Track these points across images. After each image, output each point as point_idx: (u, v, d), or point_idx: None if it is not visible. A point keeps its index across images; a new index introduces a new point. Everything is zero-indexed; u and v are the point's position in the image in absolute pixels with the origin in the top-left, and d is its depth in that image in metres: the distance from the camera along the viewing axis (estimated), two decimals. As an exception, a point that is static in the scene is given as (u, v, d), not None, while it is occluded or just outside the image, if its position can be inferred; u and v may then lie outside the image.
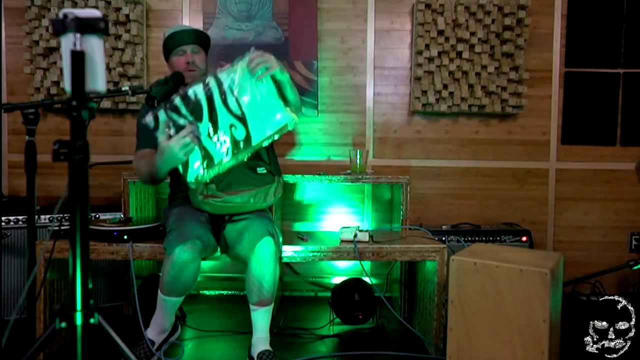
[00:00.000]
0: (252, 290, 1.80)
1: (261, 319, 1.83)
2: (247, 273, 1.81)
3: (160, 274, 1.79)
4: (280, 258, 1.97)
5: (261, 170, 1.95)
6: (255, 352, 1.81)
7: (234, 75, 1.72)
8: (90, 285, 1.05)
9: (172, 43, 1.98)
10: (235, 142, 1.72)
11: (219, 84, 1.71)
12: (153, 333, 1.85)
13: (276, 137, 1.73)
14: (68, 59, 1.02)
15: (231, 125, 1.72)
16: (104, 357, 1.48)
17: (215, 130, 1.72)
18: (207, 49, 2.08)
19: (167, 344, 1.94)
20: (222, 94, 1.71)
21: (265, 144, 1.73)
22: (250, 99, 1.71)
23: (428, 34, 2.72)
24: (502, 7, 2.71)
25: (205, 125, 1.72)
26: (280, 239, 1.96)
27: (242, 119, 1.71)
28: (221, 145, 1.72)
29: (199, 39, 2.01)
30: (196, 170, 1.73)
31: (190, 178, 1.74)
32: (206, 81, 1.72)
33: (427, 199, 2.89)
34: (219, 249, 1.99)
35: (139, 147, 1.99)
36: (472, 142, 2.88)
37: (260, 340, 1.83)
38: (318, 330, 2.25)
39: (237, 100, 1.71)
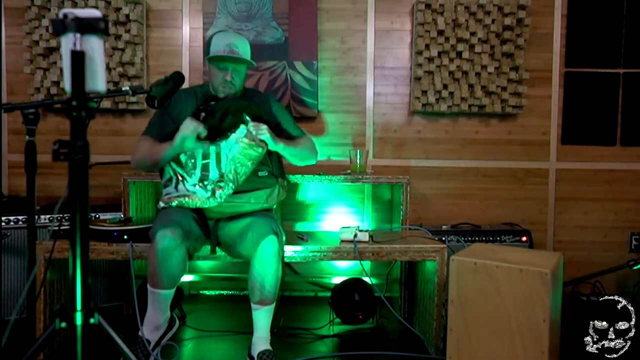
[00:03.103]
0: (254, 289, 1.80)
1: (262, 318, 1.83)
2: (250, 271, 1.81)
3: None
4: (283, 257, 1.96)
5: (262, 173, 1.96)
6: (255, 351, 1.81)
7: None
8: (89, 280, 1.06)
9: (219, 52, 1.97)
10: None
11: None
12: (147, 331, 1.84)
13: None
14: (68, 59, 1.02)
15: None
16: (104, 357, 1.47)
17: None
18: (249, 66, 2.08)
19: (165, 341, 1.92)
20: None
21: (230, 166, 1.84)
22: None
23: (428, 34, 2.72)
24: (502, 7, 2.71)
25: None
26: (284, 238, 1.95)
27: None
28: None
29: (246, 61, 2.00)
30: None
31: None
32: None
33: (427, 199, 2.89)
34: (208, 245, 1.97)
35: (148, 133, 1.99)
36: (472, 142, 2.88)
37: (261, 339, 1.83)
38: (318, 330, 2.25)
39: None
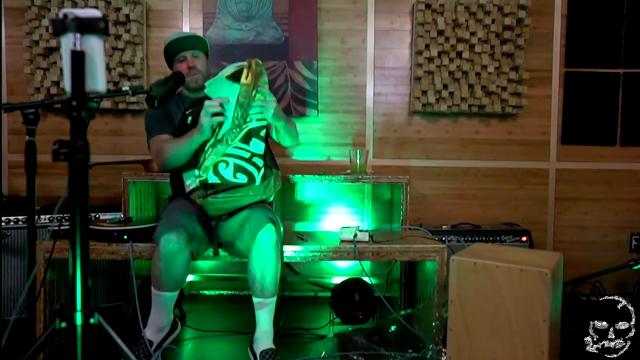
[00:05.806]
0: (254, 282, 1.79)
1: (264, 312, 1.82)
2: (248, 264, 1.80)
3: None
4: (282, 250, 1.96)
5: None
6: (258, 348, 1.79)
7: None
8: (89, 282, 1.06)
9: (172, 50, 2.04)
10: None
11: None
12: (150, 332, 1.84)
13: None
14: (68, 59, 1.02)
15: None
16: (104, 357, 1.47)
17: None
18: (207, 52, 2.12)
19: (167, 343, 1.92)
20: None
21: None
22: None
23: (428, 34, 2.72)
24: (502, 7, 2.71)
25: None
26: (282, 229, 1.95)
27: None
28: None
29: (197, 43, 2.06)
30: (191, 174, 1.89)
31: (191, 182, 1.90)
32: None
33: (427, 199, 2.89)
34: (211, 247, 1.98)
35: (158, 132, 1.98)
36: (472, 142, 2.88)
37: (264, 334, 1.82)
38: (318, 330, 2.25)
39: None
